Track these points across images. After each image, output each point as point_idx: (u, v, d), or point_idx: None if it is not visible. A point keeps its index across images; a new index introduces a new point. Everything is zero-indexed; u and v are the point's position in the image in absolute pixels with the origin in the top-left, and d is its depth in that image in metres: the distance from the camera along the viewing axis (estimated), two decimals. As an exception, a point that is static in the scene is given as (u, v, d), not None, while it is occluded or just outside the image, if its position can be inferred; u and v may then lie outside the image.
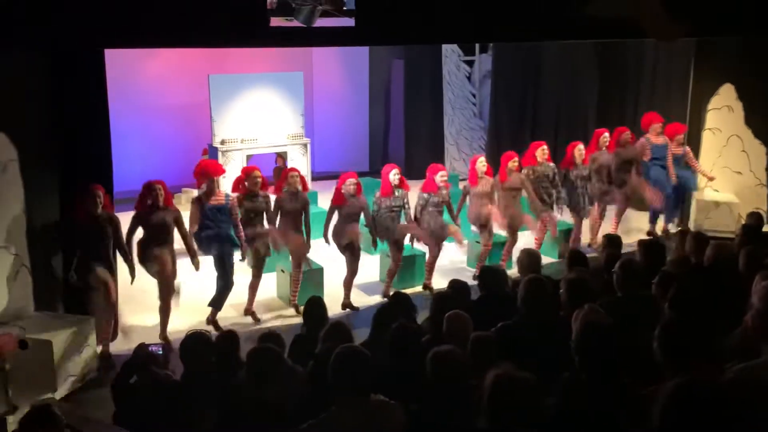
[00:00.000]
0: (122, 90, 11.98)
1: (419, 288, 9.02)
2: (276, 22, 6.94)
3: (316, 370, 4.50)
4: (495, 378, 2.96)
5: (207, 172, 7.89)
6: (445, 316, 4.62)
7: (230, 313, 8.26)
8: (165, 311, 7.60)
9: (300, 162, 13.01)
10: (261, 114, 12.75)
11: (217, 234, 7.74)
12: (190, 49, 11.13)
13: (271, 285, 8.87)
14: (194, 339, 4.53)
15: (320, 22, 6.90)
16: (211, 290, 8.00)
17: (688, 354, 3.02)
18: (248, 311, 8.27)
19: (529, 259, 6.13)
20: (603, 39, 10.75)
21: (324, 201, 12.10)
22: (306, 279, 8.43)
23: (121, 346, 7.26)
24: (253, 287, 8.24)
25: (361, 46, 12.75)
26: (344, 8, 7.16)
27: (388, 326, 4.69)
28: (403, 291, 7.23)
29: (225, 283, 7.88)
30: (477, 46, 14.50)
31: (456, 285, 5.85)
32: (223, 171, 8.48)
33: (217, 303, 7.94)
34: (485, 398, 2.97)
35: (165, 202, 7.41)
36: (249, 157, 12.60)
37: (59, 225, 7.21)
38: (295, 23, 6.91)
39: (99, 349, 7.15)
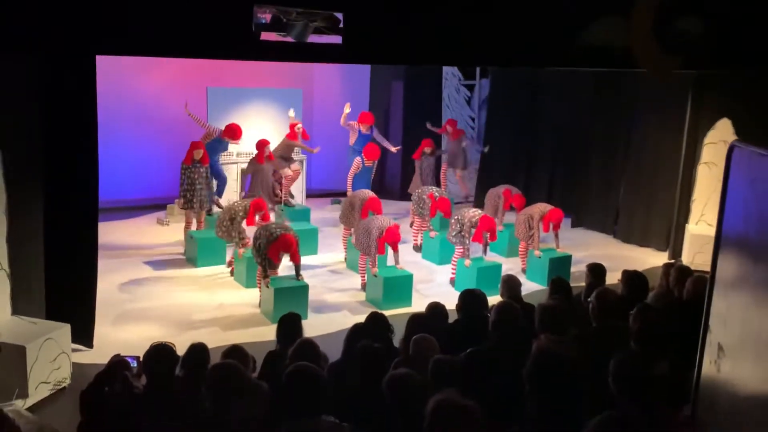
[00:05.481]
0: (121, 100, 12.01)
1: (407, 309, 8.93)
2: (267, 36, 6.92)
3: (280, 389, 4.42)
4: (435, 404, 2.89)
5: None
6: (411, 339, 4.54)
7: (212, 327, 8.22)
8: None
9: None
10: (258, 129, 12.74)
11: None
12: (189, 60, 11.09)
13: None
14: (157, 351, 4.47)
15: (312, 39, 6.89)
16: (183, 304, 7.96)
17: (640, 388, 2.95)
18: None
19: (507, 285, 6.07)
20: (598, 68, 10.69)
21: (316, 218, 12.08)
22: (290, 295, 8.38)
23: (94, 358, 7.17)
24: None
25: (346, 63, 12.57)
26: (340, 26, 7.14)
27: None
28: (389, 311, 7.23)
29: None
30: (478, 70, 14.49)
31: (434, 307, 5.77)
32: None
33: None
34: (426, 425, 2.90)
35: None
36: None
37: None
38: (288, 38, 6.90)
39: None
